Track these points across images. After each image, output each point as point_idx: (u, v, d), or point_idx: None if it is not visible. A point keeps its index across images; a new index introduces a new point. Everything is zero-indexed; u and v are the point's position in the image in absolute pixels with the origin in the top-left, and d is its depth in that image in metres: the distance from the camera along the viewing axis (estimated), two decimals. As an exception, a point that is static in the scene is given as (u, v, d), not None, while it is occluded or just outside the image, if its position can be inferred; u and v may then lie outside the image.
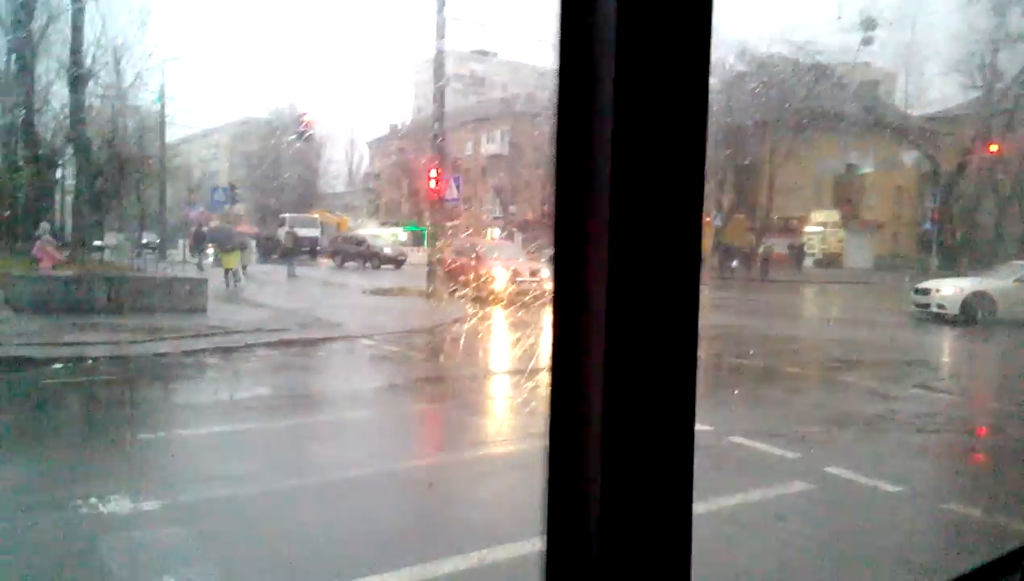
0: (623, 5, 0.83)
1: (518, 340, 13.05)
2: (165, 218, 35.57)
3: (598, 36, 0.84)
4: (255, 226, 43.82)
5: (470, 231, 44.78)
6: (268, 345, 12.01)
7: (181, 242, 34.98)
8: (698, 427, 0.92)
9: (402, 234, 50.19)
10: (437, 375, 11.22)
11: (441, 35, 20.09)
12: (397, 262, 34.92)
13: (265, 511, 5.14)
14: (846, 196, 39.28)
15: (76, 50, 23.10)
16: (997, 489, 6.47)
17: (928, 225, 32.73)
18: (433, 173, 19.85)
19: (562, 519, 0.91)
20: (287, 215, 39.93)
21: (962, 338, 15.77)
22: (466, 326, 14.27)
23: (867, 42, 34.95)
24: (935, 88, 49.26)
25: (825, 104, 35.24)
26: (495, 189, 52.43)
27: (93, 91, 25.41)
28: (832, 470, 6.35)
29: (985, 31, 33.62)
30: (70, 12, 23.40)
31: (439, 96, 20.43)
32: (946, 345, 15.43)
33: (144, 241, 34.79)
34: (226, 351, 11.42)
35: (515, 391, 9.51)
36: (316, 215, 41.78)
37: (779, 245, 34.87)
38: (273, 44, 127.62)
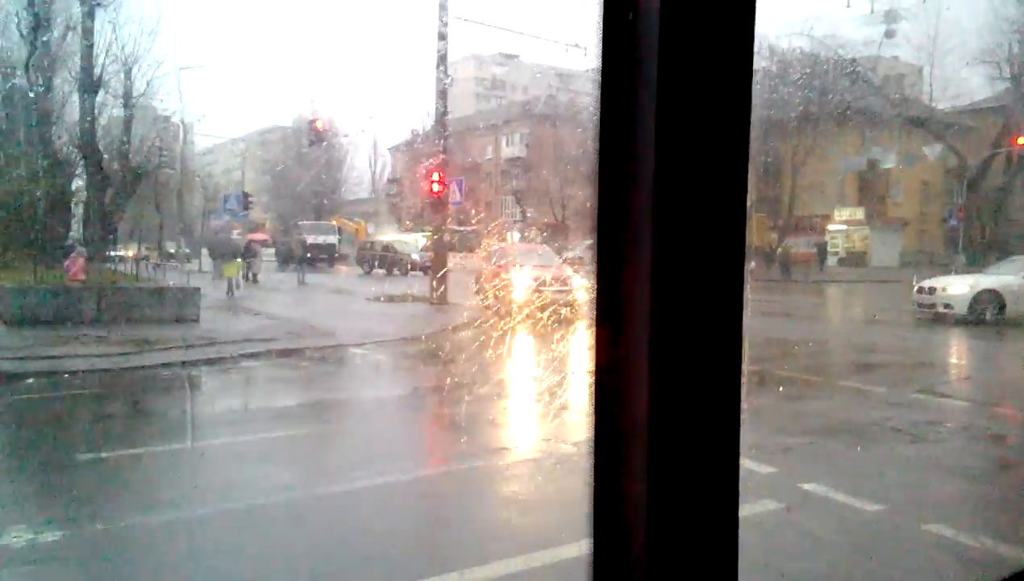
0: (666, 2, 0.82)
1: (516, 352, 12.62)
2: (186, 228, 35.75)
3: (641, 34, 0.83)
4: (273, 233, 43.91)
5: (472, 232, 44.65)
6: (252, 356, 11.79)
7: (204, 252, 35.14)
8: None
9: (422, 240, 50.04)
10: (412, 388, 10.84)
11: (442, 37, 19.86)
12: (425, 268, 34.67)
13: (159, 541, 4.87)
14: (871, 193, 38.36)
15: (88, 60, 23.24)
16: (992, 508, 5.98)
17: (954, 222, 31.80)
18: (435, 177, 19.56)
19: (608, 523, 0.91)
20: (303, 222, 39.96)
21: (971, 339, 15.06)
22: (466, 334, 13.93)
23: (890, 35, 34.12)
24: (961, 80, 48.07)
25: (848, 99, 34.44)
26: (514, 193, 52.08)
27: (105, 101, 25.53)
28: (809, 487, 5.92)
29: (1012, 20, 32.68)
30: (82, 23, 23.53)
31: (442, 98, 20.18)
32: (954, 346, 14.80)
33: (172, 251, 34.94)
34: (207, 363, 11.22)
35: (483, 407, 9.07)
36: (333, 222, 41.72)
37: (802, 244, 34.13)
38: (298, 51, 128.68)
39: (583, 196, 50.96)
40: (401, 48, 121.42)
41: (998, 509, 5.87)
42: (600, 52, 0.86)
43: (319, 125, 30.21)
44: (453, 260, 26.34)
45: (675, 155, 0.84)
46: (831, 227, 37.03)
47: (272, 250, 35.94)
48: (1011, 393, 10.12)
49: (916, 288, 16.79)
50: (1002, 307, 15.34)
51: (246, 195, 28.19)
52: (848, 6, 38.58)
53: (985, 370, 12.31)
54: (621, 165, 0.86)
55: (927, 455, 7.22)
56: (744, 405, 0.89)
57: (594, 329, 0.90)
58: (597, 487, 0.91)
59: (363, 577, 4.46)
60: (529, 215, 51.12)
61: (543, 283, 15.68)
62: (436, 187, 19.50)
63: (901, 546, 5.13)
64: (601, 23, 0.85)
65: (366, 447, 7.49)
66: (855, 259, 34.99)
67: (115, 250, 28.92)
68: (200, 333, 13.29)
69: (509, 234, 53.82)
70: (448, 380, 10.33)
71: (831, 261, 36.66)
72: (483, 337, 12.39)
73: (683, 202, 0.85)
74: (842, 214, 37.33)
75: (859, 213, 37.45)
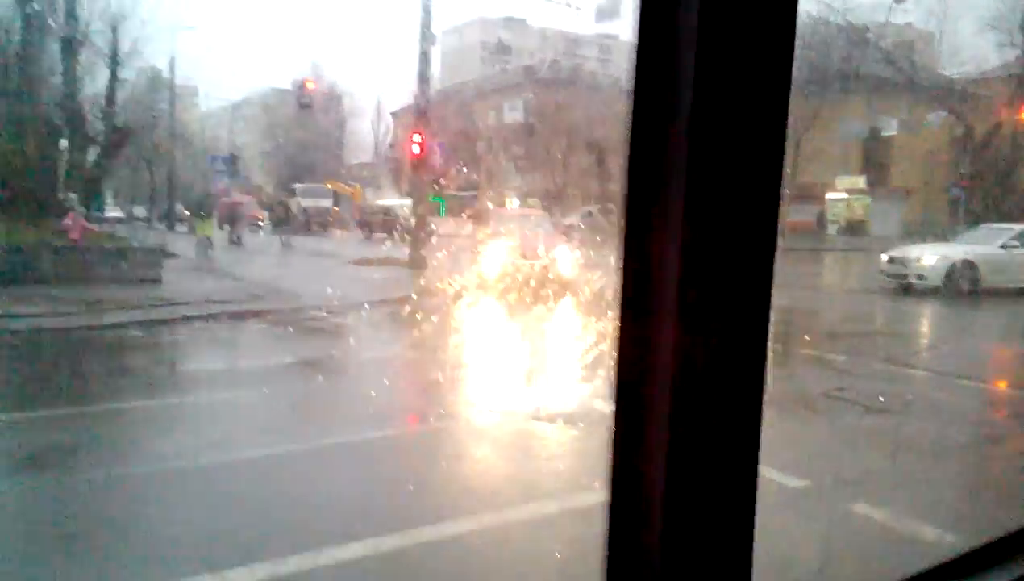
0: None
1: (468, 327, 12.11)
2: (177, 189, 35.33)
3: (680, 22, 0.82)
4: (270, 196, 43.51)
5: (471, 196, 44.11)
6: (205, 317, 11.49)
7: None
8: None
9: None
10: (345, 353, 10.28)
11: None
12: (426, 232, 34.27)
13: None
14: (874, 161, 37.56)
15: (72, 16, 22.78)
16: (932, 486, 5.59)
17: (957, 191, 31.09)
18: (416, 139, 19.11)
19: (624, 509, 0.91)
20: (298, 185, 39.58)
21: (945, 309, 14.67)
22: (429, 302, 13.50)
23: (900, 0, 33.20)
24: (971, 47, 46.80)
25: (857, 65, 33.59)
26: (514, 158, 51.45)
27: (89, 59, 25.08)
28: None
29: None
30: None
31: (424, 60, 19.65)
32: (927, 317, 14.35)
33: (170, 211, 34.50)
34: (155, 324, 10.92)
35: (414, 375, 8.71)
36: (328, 185, 41.30)
37: (802, 213, 33.48)
38: (303, 14, 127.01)
39: (585, 163, 50.35)
40: (407, 10, 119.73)
41: (934, 489, 5.48)
42: (637, 37, 0.84)
43: (310, 86, 29.75)
44: (450, 225, 25.97)
45: (710, 141, 0.83)
46: (831, 196, 36.35)
47: (268, 213, 35.69)
48: (981, 366, 9.68)
49: (887, 258, 16.10)
50: (976, 279, 14.74)
51: (233, 156, 27.72)
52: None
53: (956, 342, 11.86)
54: (655, 151, 0.85)
55: (875, 428, 6.84)
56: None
57: (618, 310, 0.88)
58: (615, 477, 0.91)
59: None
60: (530, 181, 50.38)
61: (522, 254, 14.36)
62: (416, 149, 19.06)
63: (815, 525, 4.77)
64: (639, 13, 0.84)
65: (251, 417, 7.03)
66: (855, 228, 34.33)
67: (102, 210, 28.69)
68: (157, 294, 12.98)
69: (508, 199, 53.42)
70: (380, 349, 9.98)
71: (830, 230, 36.01)
72: (443, 306, 12.03)
73: (717, 190, 0.84)
74: (843, 183, 36.60)
75: (860, 182, 36.71)
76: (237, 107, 71.48)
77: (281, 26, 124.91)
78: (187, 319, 11.29)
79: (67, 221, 17.10)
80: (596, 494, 4.70)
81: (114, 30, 25.85)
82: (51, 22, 22.98)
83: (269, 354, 10.07)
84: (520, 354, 9.77)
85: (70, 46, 22.69)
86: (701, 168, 0.82)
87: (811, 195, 34.59)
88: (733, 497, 0.90)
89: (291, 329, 11.52)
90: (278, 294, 13.80)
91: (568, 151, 51.15)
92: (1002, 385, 8.72)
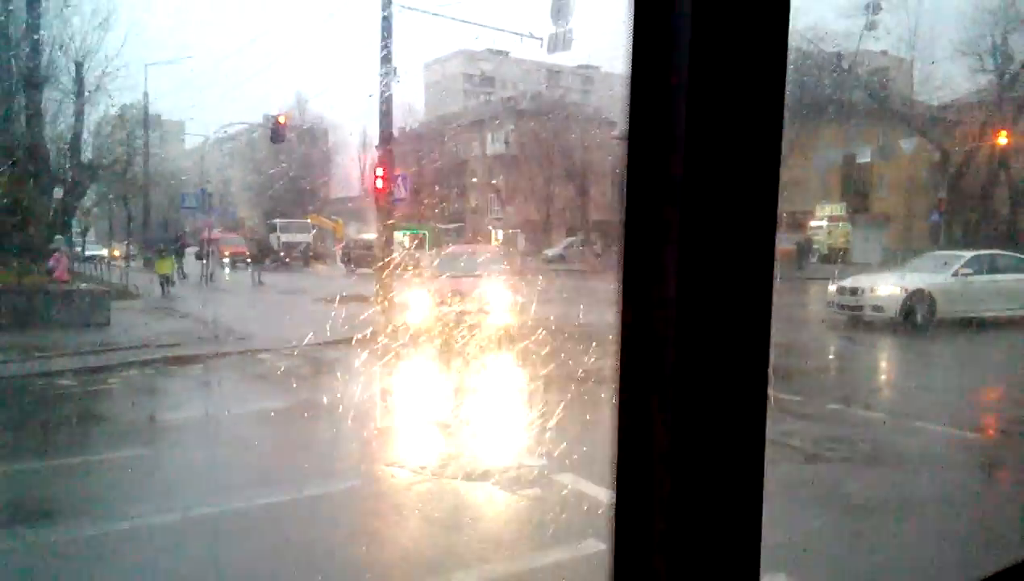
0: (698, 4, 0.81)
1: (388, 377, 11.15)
2: (151, 227, 34.97)
3: (673, 36, 0.83)
4: (250, 231, 43.17)
5: (454, 230, 43.81)
6: (143, 363, 11.10)
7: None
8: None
9: (405, 238, 49.26)
10: (265, 404, 9.56)
11: (387, 35, 19.17)
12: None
13: None
14: (854, 188, 37.48)
15: (34, 53, 22.57)
16: (859, 555, 5.22)
17: (936, 216, 30.95)
18: (379, 172, 18.84)
19: (630, 511, 0.91)
20: (278, 221, 39.30)
21: (905, 344, 14.24)
22: (379, 344, 12.92)
23: (871, 27, 33.30)
24: (945, 73, 47.10)
25: (831, 93, 33.66)
26: (496, 190, 51.41)
27: (53, 96, 24.82)
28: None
29: (994, 11, 31.93)
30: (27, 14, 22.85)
31: (386, 92, 19.46)
32: (887, 352, 14.03)
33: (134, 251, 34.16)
34: (87, 372, 10.52)
35: (318, 431, 8.27)
36: (309, 220, 41.00)
37: (783, 241, 33.29)
38: (288, 47, 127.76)
39: (568, 194, 50.24)
40: (395, 43, 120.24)
41: (859, 558, 5.09)
42: (631, 51, 0.85)
43: (281, 120, 29.52)
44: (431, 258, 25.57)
45: (706, 156, 0.83)
46: (813, 223, 36.22)
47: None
48: (941, 407, 9.32)
49: (836, 288, 15.37)
50: (932, 310, 14.20)
51: (205, 192, 27.42)
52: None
53: (917, 380, 11.48)
54: (651, 165, 0.86)
55: (811, 478, 6.48)
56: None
57: (619, 320, 0.89)
58: (620, 482, 0.91)
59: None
60: (514, 212, 50.19)
61: (446, 298, 13.10)
62: (380, 183, 18.78)
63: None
64: (632, 26, 0.84)
65: (158, 479, 6.59)
66: (836, 255, 34.13)
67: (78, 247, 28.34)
68: (103, 338, 12.60)
69: (493, 231, 53.26)
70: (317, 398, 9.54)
71: (812, 258, 35.79)
72: (386, 348, 11.56)
73: (713, 203, 0.85)
74: (824, 210, 36.49)
75: (841, 209, 36.62)
76: (223, 141, 71.45)
77: (268, 58, 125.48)
78: (125, 366, 10.91)
79: (51, 261, 16.97)
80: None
81: (79, 67, 25.64)
82: (12, 61, 22.81)
83: (199, 405, 9.68)
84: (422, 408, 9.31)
85: (33, 83, 22.45)
86: (697, 185, 0.83)
87: (793, 223, 34.50)
88: (738, 499, 0.91)
89: (227, 375, 11.11)
90: (229, 336, 13.43)
91: (551, 182, 51.12)
92: (967, 431, 8.33)
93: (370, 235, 44.07)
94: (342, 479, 6.43)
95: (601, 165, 47.12)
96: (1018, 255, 17.18)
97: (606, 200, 47.90)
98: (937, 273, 14.97)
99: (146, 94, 33.18)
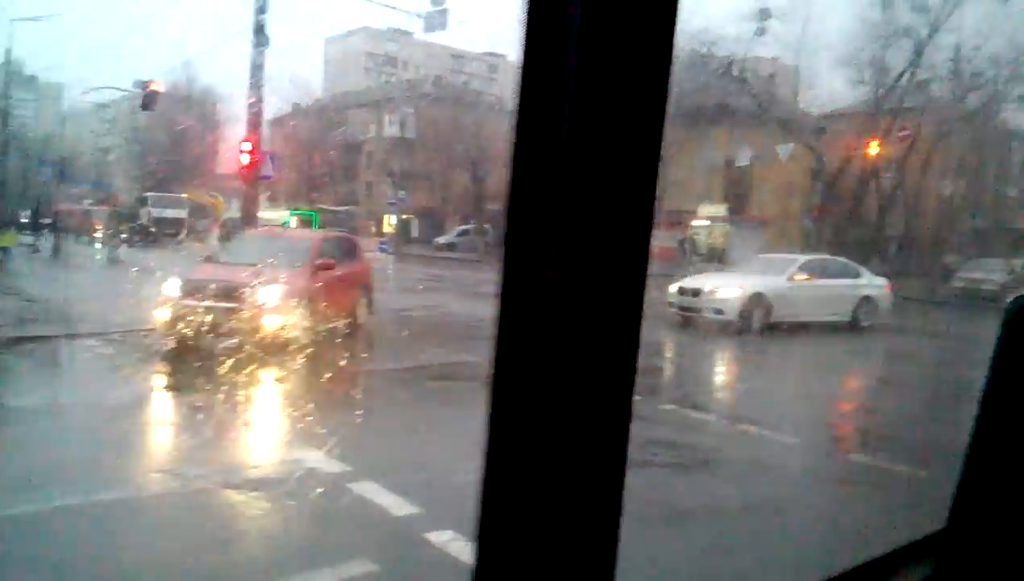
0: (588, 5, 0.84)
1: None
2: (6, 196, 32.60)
3: (565, 28, 0.85)
4: (120, 205, 40.76)
5: (345, 212, 42.68)
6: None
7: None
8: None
9: (291, 218, 47.65)
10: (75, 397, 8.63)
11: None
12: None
13: None
14: (735, 190, 38.60)
15: None
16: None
17: (809, 221, 32.16)
18: (246, 147, 17.89)
19: (493, 507, 0.91)
20: (150, 194, 37.26)
21: (745, 346, 14.33)
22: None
23: (760, 32, 34.20)
24: (827, 83, 49.10)
25: (718, 96, 34.41)
26: (391, 174, 50.41)
27: None
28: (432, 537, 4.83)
29: (875, 24, 33.36)
30: None
31: (257, 61, 18.51)
32: (727, 353, 14.18)
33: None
34: None
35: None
36: (184, 195, 39.04)
37: (664, 238, 33.90)
38: (180, 11, 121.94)
39: (465, 181, 49.77)
40: (290, 15, 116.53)
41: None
42: (523, 44, 0.86)
43: (156, 87, 27.86)
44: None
45: (588, 151, 0.85)
46: (694, 223, 37.08)
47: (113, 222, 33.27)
48: (774, 410, 9.41)
49: (676, 288, 15.12)
50: (768, 313, 14.33)
51: (62, 160, 25.58)
52: None
53: (752, 382, 11.63)
54: (535, 161, 0.87)
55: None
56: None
57: (497, 314, 0.90)
58: (486, 482, 0.91)
59: None
60: (408, 197, 49.26)
61: (207, 294, 10.60)
62: (245, 159, 17.83)
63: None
64: (525, 17, 0.85)
65: None
66: (713, 254, 35.05)
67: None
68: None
69: (385, 216, 52.27)
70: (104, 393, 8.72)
71: (692, 258, 36.71)
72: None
73: (593, 198, 0.87)
74: (706, 210, 37.41)
75: (721, 210, 37.63)
76: (104, 107, 67.32)
77: (156, 22, 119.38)
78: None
79: None
80: None
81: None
82: None
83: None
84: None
85: None
86: (581, 168, 0.85)
87: (675, 222, 35.18)
88: (598, 497, 0.91)
89: (43, 363, 10.11)
90: (60, 318, 12.35)
91: (449, 169, 50.53)
92: (788, 436, 8.39)
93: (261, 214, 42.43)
94: (109, 488, 5.81)
95: (500, 154, 46.85)
96: (842, 260, 17.84)
97: (503, 189, 47.73)
98: (773, 276, 15.11)
99: (8, 51, 30.84)
